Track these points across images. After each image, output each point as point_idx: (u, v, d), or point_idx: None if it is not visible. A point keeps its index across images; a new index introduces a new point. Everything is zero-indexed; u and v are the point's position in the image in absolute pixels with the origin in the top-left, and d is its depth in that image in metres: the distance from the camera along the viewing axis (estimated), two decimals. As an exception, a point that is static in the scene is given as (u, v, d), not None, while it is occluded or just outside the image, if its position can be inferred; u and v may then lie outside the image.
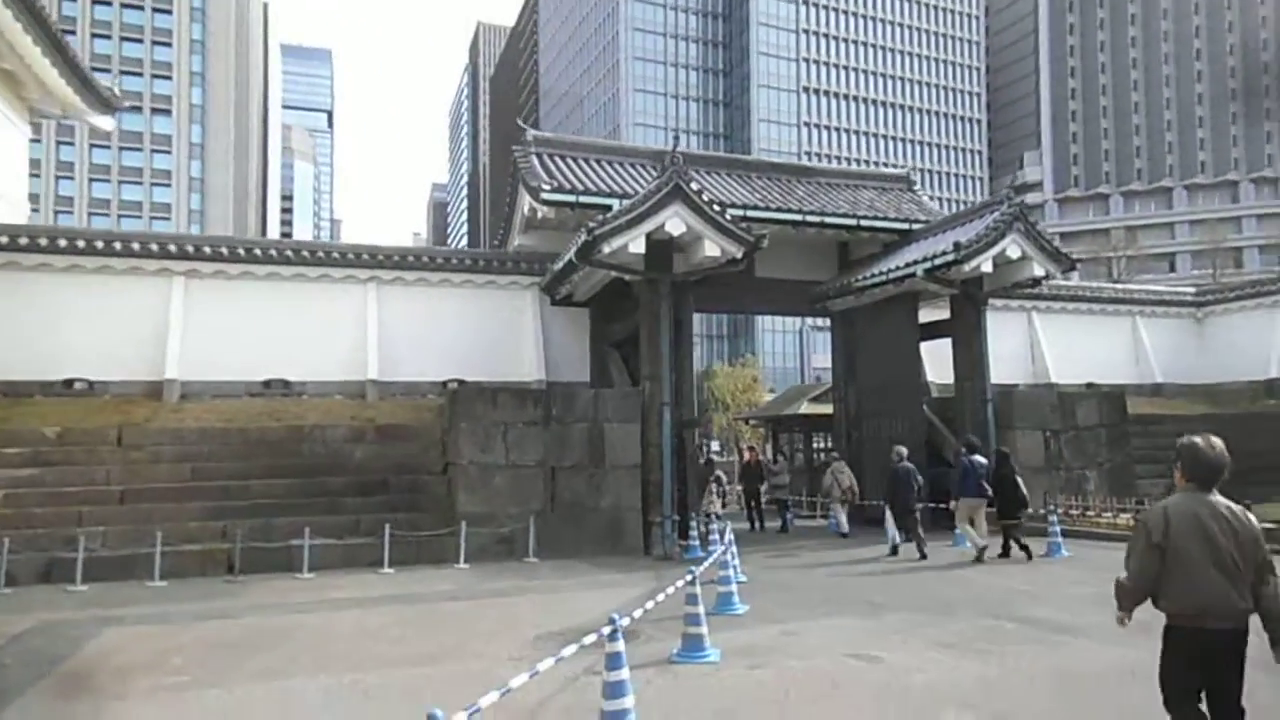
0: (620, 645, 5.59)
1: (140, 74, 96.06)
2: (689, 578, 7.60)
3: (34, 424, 15.10)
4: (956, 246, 16.45)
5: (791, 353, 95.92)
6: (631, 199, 15.67)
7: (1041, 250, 17.57)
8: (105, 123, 22.78)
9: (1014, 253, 17.10)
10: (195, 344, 17.26)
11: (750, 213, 17.90)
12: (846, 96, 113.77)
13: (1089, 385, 24.13)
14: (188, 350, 17.19)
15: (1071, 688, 6.68)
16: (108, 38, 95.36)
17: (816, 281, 20.69)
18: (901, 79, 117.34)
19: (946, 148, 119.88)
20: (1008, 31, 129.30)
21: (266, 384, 17.65)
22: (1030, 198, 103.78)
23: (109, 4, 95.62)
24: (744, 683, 6.95)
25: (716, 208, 15.50)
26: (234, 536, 13.23)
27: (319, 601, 11.01)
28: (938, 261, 16.83)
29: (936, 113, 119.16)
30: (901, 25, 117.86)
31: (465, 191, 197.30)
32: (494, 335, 19.18)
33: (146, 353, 16.98)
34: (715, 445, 62.89)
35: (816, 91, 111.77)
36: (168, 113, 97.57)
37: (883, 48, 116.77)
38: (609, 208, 15.84)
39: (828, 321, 22.78)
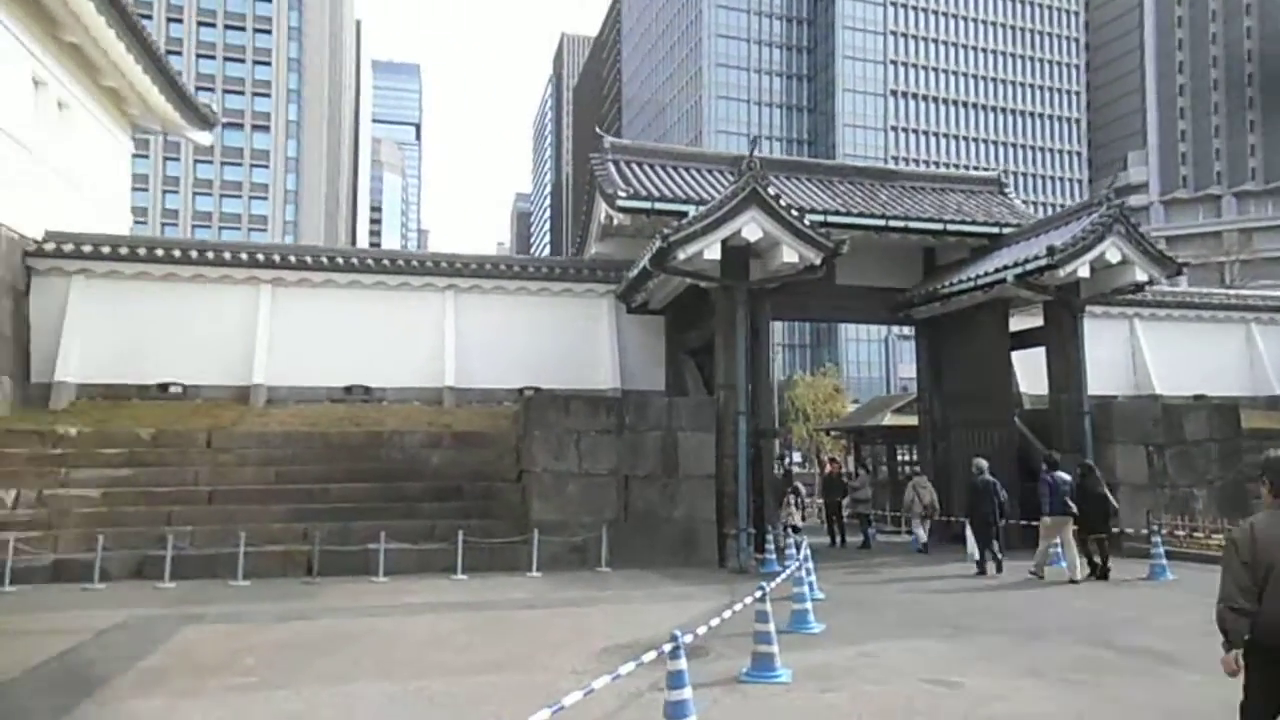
0: (682, 663, 5.36)
1: (242, 92, 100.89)
2: (759, 594, 7.30)
3: (130, 426, 15.74)
4: (1051, 250, 15.64)
5: (877, 362, 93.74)
6: (707, 205, 15.43)
7: (1144, 254, 16.58)
8: (203, 138, 23.84)
9: (1114, 256, 16.18)
10: (281, 350, 17.77)
11: (830, 218, 17.45)
12: (936, 99, 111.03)
13: (1197, 397, 22.70)
14: (273, 356, 17.71)
15: (1176, 727, 6.13)
16: (212, 58, 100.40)
17: (900, 288, 20.04)
18: (994, 79, 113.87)
19: (1043, 150, 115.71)
20: (1110, 26, 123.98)
21: (348, 390, 18.04)
22: (1134, 200, 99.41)
23: (213, 25, 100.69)
24: (814, 706, 6.61)
25: (794, 213, 15.12)
26: (313, 539, 13.48)
27: (391, 606, 11.09)
28: (1030, 266, 16.05)
29: (1032, 114, 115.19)
30: (995, 24, 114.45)
31: (548, 201, 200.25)
32: (570, 343, 19.18)
33: (235, 358, 17.56)
34: (797, 456, 61.88)
35: (904, 95, 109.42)
36: (266, 129, 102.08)
37: (975, 48, 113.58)
38: (685, 214, 15.63)
39: (913, 330, 22.05)
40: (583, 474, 14.74)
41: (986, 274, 17.12)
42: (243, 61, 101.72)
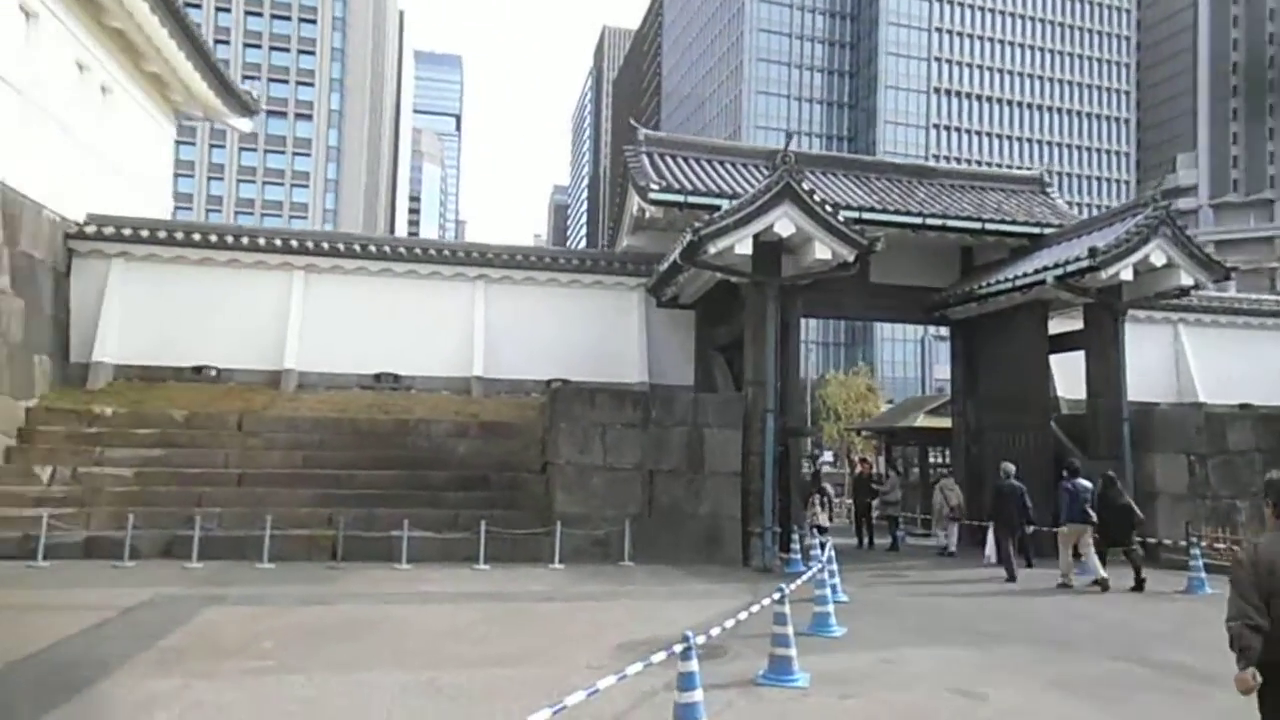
0: (693, 665, 5.24)
1: (286, 81, 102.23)
2: (777, 595, 7.15)
3: (164, 407, 15.96)
4: (1093, 252, 15.24)
5: (912, 362, 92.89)
6: (740, 199, 15.23)
7: (1191, 257, 16.09)
8: (243, 124, 24.09)
9: (1158, 259, 15.74)
10: (312, 336, 17.92)
11: (865, 214, 17.17)
12: (980, 97, 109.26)
13: (1243, 406, 22.03)
14: (305, 342, 17.86)
15: (1210, 749, 5.89)
16: (258, 47, 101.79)
17: (936, 288, 19.68)
18: (1041, 77, 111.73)
19: (1089, 150, 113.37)
20: (1162, 25, 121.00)
21: (377, 377, 18.13)
22: (1182, 203, 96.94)
23: (260, 15, 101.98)
24: (832, 712, 6.46)
25: (828, 208, 14.88)
26: (339, 524, 13.56)
27: (411, 594, 11.11)
28: (1071, 268, 15.65)
29: (1079, 113, 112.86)
30: (1043, 21, 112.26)
31: (585, 194, 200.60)
32: (599, 336, 19.10)
33: (268, 343, 17.73)
34: (829, 456, 61.34)
35: (948, 92, 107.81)
36: (309, 118, 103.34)
37: (1021, 45, 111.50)
38: (718, 208, 15.46)
39: (949, 331, 21.64)
40: (607, 467, 14.66)
41: (1026, 275, 16.73)
42: (288, 50, 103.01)
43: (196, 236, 18.03)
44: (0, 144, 14.49)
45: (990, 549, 14.80)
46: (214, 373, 17.56)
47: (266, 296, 18.00)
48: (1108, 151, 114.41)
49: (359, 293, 18.46)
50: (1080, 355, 17.68)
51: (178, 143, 24.45)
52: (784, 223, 14.56)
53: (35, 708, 5.90)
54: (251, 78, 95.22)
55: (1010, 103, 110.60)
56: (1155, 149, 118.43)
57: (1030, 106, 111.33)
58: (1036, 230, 18.85)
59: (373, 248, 18.79)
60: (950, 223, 18.39)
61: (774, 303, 15.41)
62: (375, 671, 7.21)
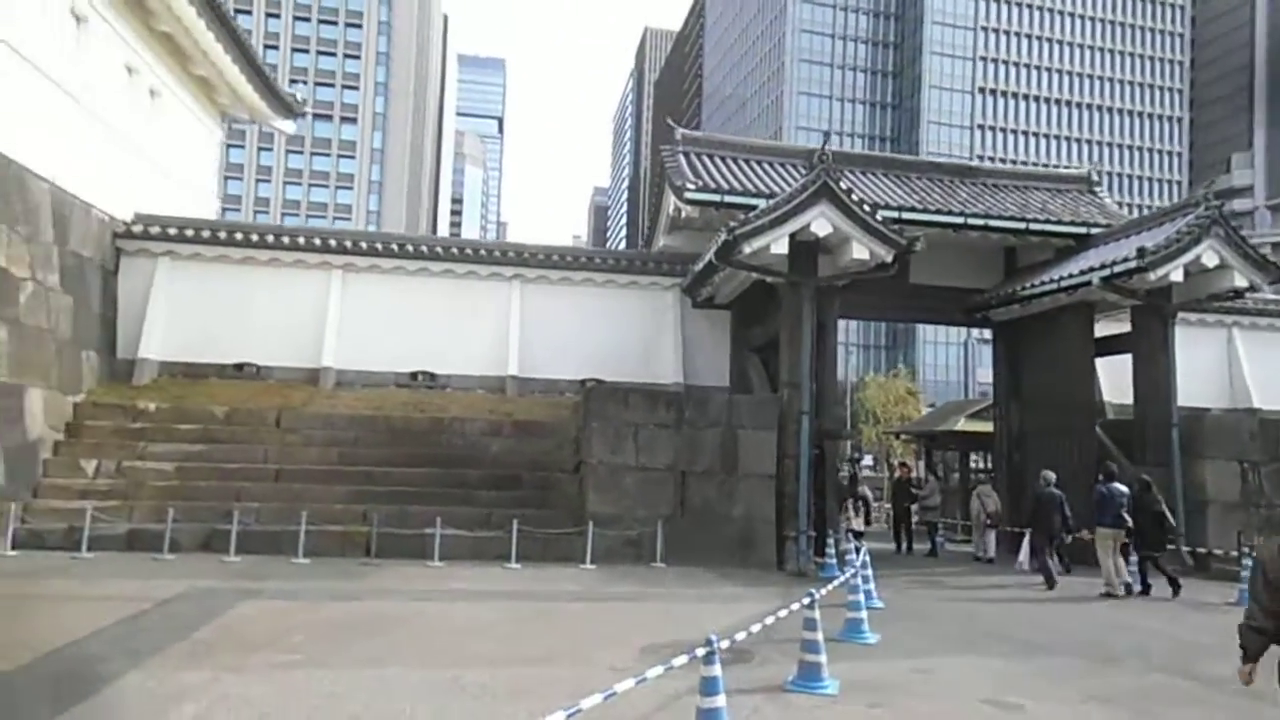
0: (716, 669, 5.12)
1: (332, 85, 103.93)
2: (807, 600, 7.00)
3: (206, 403, 16.25)
4: (1141, 253, 14.82)
5: (954, 366, 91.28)
6: (776, 198, 15.07)
7: (1245, 258, 15.58)
8: (287, 127, 24.50)
9: (1210, 260, 15.25)
10: (350, 335, 18.13)
11: (905, 214, 16.92)
12: (1027, 97, 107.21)
13: (1299, 413, 21.29)
14: (343, 340, 18.08)
15: (1258, 769, 5.63)
16: (306, 51, 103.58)
17: (978, 289, 19.31)
18: (1090, 76, 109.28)
19: (1140, 149, 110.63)
20: (1218, 22, 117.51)
21: (413, 375, 18.28)
22: (1237, 204, 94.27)
23: (308, 20, 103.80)
24: (859, 722, 6.30)
25: (866, 208, 14.66)
26: (372, 521, 13.68)
27: (442, 591, 11.13)
28: (1118, 269, 15.24)
29: (1129, 112, 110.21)
30: (1093, 18, 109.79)
31: (625, 195, 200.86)
32: (634, 336, 19.05)
33: (307, 341, 17.97)
34: (869, 460, 60.64)
35: (993, 92, 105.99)
36: (354, 121, 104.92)
37: (1070, 43, 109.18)
38: (754, 208, 15.31)
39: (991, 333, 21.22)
40: (640, 468, 14.59)
41: (1071, 276, 16.33)
42: (334, 55, 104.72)
43: (239, 236, 18.35)
44: (51, 145, 14.87)
45: (1024, 555, 14.72)
46: (255, 370, 17.85)
47: (306, 295, 18.24)
48: (1160, 151, 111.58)
49: (396, 292, 18.64)
50: (1128, 358, 17.22)
51: (227, 145, 24.95)
52: (821, 222, 14.38)
53: (66, 698, 5.98)
54: (299, 81, 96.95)
55: (1058, 102, 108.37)
56: (1209, 149, 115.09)
57: (1079, 106, 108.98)
58: (1083, 230, 18.40)
59: (409, 247, 18.95)
60: (993, 223, 18.04)
61: (810, 303, 15.22)
62: (400, 668, 7.21)
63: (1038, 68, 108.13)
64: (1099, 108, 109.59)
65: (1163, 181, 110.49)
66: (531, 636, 8.73)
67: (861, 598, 9.30)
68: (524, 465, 15.87)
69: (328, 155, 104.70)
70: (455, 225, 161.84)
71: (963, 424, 25.30)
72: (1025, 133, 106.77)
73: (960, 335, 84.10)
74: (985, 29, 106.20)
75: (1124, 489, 13.15)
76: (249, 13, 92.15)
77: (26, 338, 13.96)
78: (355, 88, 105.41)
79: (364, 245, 18.83)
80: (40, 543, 12.75)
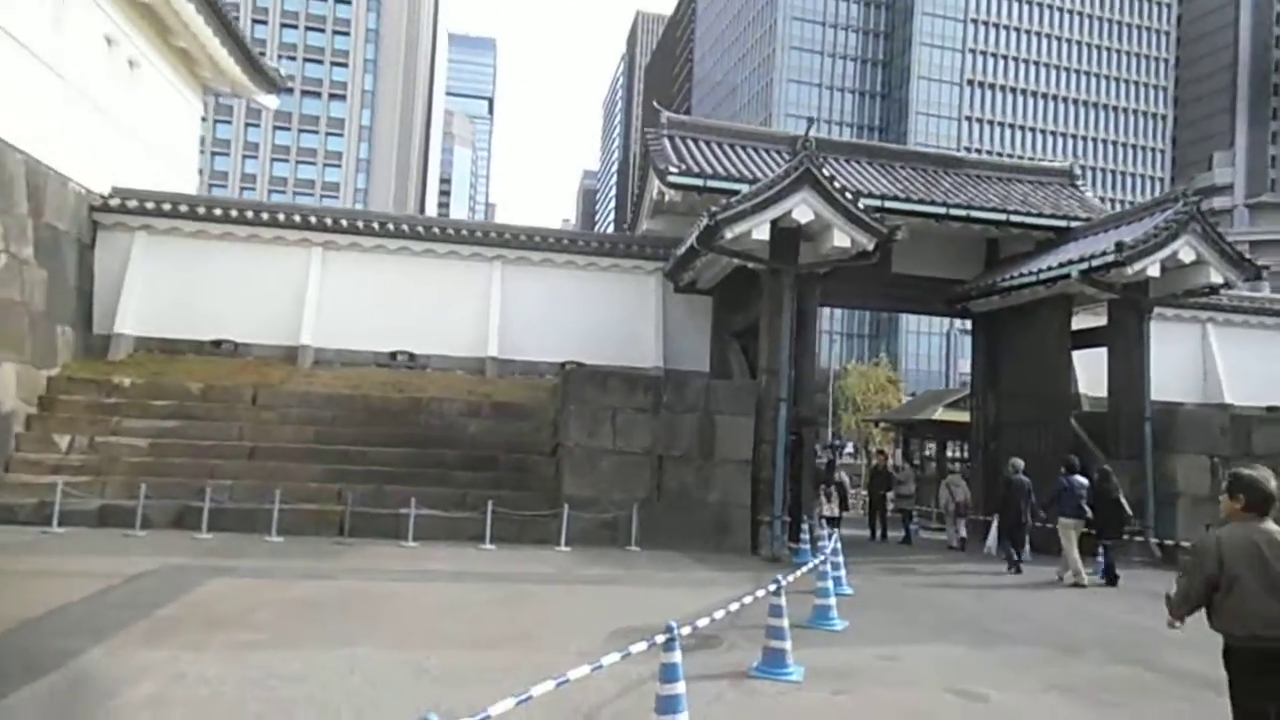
0: (676, 656, 5.10)
1: (321, 61, 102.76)
2: (773, 587, 7.02)
3: (182, 380, 16.11)
4: (1119, 247, 14.91)
5: (937, 356, 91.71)
6: (758, 184, 15.04)
7: (1221, 254, 15.70)
8: (270, 101, 24.19)
9: (1187, 256, 15.37)
10: (329, 313, 17.99)
11: (888, 203, 16.93)
12: (1014, 90, 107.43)
13: (1270, 409, 21.55)
14: (322, 319, 17.94)
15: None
16: (294, 27, 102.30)
17: (959, 280, 19.38)
18: (1077, 71, 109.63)
19: (1124, 145, 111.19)
20: (1204, 20, 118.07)
21: (393, 355, 18.18)
22: (1217, 201, 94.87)
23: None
24: (822, 708, 6.34)
25: (848, 195, 14.66)
26: (347, 500, 13.64)
27: (414, 571, 11.11)
28: (1096, 263, 15.33)
29: (1115, 108, 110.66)
30: (1081, 14, 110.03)
31: (615, 179, 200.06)
32: (615, 320, 19.01)
33: (285, 319, 17.83)
34: (850, 448, 60.98)
35: (981, 84, 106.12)
36: (343, 98, 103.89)
37: (1058, 38, 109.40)
38: (737, 193, 15.26)
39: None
40: (617, 451, 14.58)
41: (1050, 268, 16.42)
42: (323, 31, 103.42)
43: (218, 211, 18.14)
44: (27, 117, 14.61)
45: (991, 541, 15.13)
46: (232, 347, 17.71)
47: (285, 272, 18.07)
48: (1143, 148, 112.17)
49: (376, 271, 18.50)
50: (1104, 352, 17.33)
51: (215, 121, 24.69)
52: (803, 209, 14.36)
53: (20, 675, 5.91)
54: (289, 58, 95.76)
55: (1045, 96, 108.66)
56: (1192, 146, 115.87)
57: (1065, 100, 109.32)
58: (1063, 223, 18.49)
59: (390, 226, 18.81)
60: (974, 213, 18.09)
61: (791, 290, 15.23)
62: (366, 648, 7.18)
63: (1026, 61, 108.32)
64: (1085, 103, 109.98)
65: (1146, 178, 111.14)
66: (501, 619, 8.73)
67: (830, 584, 9.35)
68: (501, 447, 15.84)
69: (316, 132, 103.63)
70: (444, 205, 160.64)
71: (940, 413, 25.46)
72: (1012, 126, 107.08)
73: (943, 325, 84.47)
74: (975, 21, 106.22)
75: (1084, 481, 13.51)
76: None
77: (-2, 310, 13.78)
78: (344, 64, 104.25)
79: (345, 223, 18.66)
80: (11, 517, 12.63)
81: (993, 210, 18.29)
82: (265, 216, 18.33)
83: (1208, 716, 6.62)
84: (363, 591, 9.71)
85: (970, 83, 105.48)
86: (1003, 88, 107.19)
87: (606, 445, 14.59)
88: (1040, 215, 18.56)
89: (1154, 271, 15.31)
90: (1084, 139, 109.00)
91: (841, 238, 14.60)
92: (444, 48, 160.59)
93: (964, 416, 21.74)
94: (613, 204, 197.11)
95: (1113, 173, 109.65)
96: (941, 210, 17.78)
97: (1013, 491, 14.41)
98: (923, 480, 22.56)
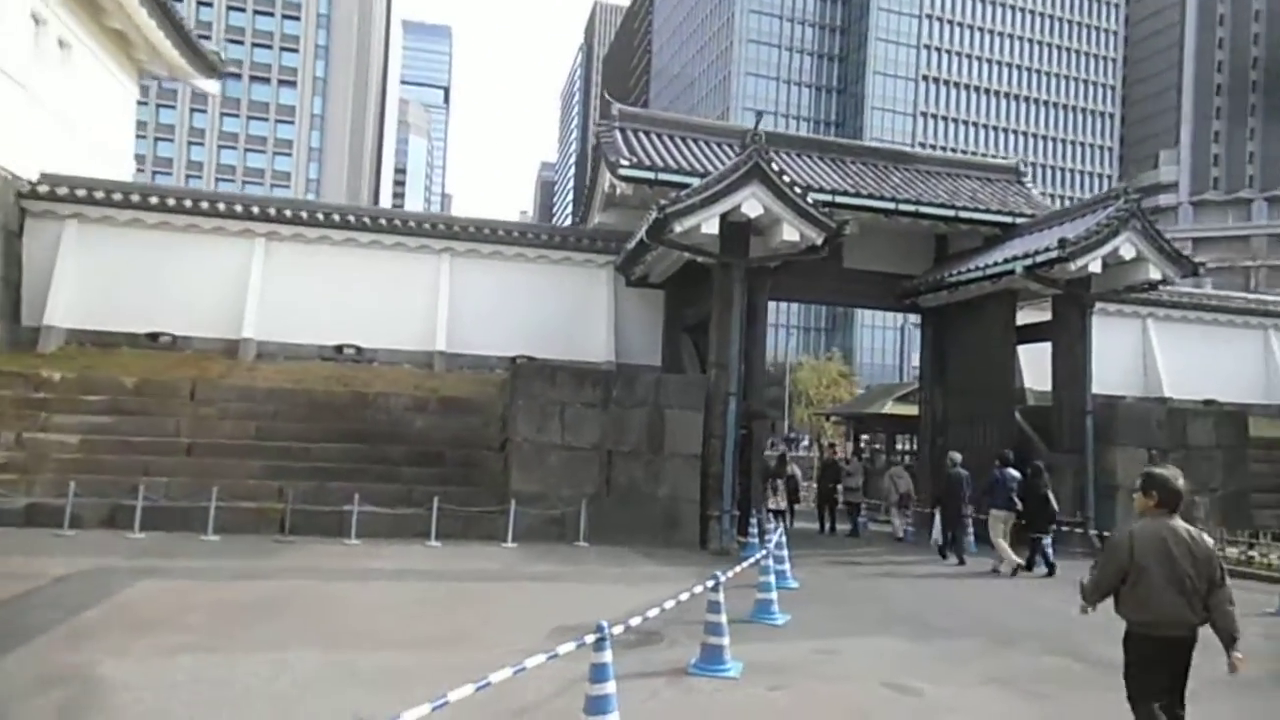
0: (606, 656, 5.02)
1: (270, 46, 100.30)
2: (711, 583, 6.99)
3: (115, 374, 15.58)
4: (1062, 243, 15.14)
5: (891, 350, 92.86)
6: (708, 178, 14.99)
7: (1160, 251, 16.04)
8: (210, 86, 23.54)
9: (1128, 253, 15.68)
10: (272, 305, 17.54)
11: (838, 198, 17.00)
12: (968, 86, 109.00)
13: (1207, 402, 22.16)
14: (264, 311, 17.48)
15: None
16: (242, 10, 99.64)
17: (909, 275, 19.55)
18: (1029, 69, 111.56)
19: (1073, 143, 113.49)
20: (1150, 21, 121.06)
21: (338, 349, 17.81)
22: (1163, 199, 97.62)
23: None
24: (757, 704, 6.32)
25: (798, 190, 14.68)
26: (289, 497, 13.33)
27: (355, 570, 10.89)
28: (1040, 259, 15.56)
29: (1065, 106, 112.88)
30: (1033, 12, 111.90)
31: (573, 171, 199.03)
32: (566, 313, 18.84)
33: (226, 311, 17.35)
34: (805, 441, 61.47)
35: (936, 80, 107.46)
36: (293, 84, 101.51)
37: (1011, 35, 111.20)
38: (689, 186, 15.20)
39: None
40: (565, 446, 14.47)
41: (995, 264, 16.63)
42: (272, 14, 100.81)
43: (154, 200, 17.58)
44: (-53, 97, 14.01)
45: (937, 533, 15.51)
46: (170, 340, 17.19)
47: (226, 263, 17.59)
48: (1092, 146, 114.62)
49: (321, 262, 18.09)
50: (1049, 347, 17.62)
51: (158, 105, 23.94)
52: (752, 203, 14.35)
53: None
54: (235, 42, 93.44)
55: (997, 93, 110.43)
56: (1138, 145, 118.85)
57: (1017, 98, 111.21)
58: (1009, 219, 18.74)
59: (336, 216, 18.40)
60: (923, 209, 18.24)
61: (741, 284, 15.23)
62: (297, 651, 7.00)
63: (979, 58, 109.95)
64: (1036, 100, 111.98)
65: (1094, 175, 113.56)
66: (441, 617, 8.59)
67: (772, 579, 9.36)
68: (448, 442, 15.61)
69: (265, 119, 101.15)
70: (398, 196, 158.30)
71: (890, 407, 25.72)
72: (965, 122, 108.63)
73: (897, 319, 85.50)
74: (930, 17, 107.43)
75: (1016, 474, 13.93)
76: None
77: (-84, 301, 13.19)
78: (294, 50, 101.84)
79: (289, 213, 18.21)
80: (-70, 517, 12.14)
81: (941, 206, 18.47)
82: (204, 206, 17.81)
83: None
84: (301, 591, 9.49)
85: (925, 78, 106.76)
86: (956, 84, 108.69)
87: (555, 440, 14.47)
88: (988, 211, 18.79)
89: (1095, 268, 15.58)
90: (1035, 136, 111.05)
91: (791, 232, 14.63)
92: (398, 35, 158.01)
93: (913, 410, 21.97)
94: (570, 196, 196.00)
95: (1063, 170, 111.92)
96: (891, 205, 17.91)
97: (952, 485, 14.66)
98: (872, 473, 22.74)
